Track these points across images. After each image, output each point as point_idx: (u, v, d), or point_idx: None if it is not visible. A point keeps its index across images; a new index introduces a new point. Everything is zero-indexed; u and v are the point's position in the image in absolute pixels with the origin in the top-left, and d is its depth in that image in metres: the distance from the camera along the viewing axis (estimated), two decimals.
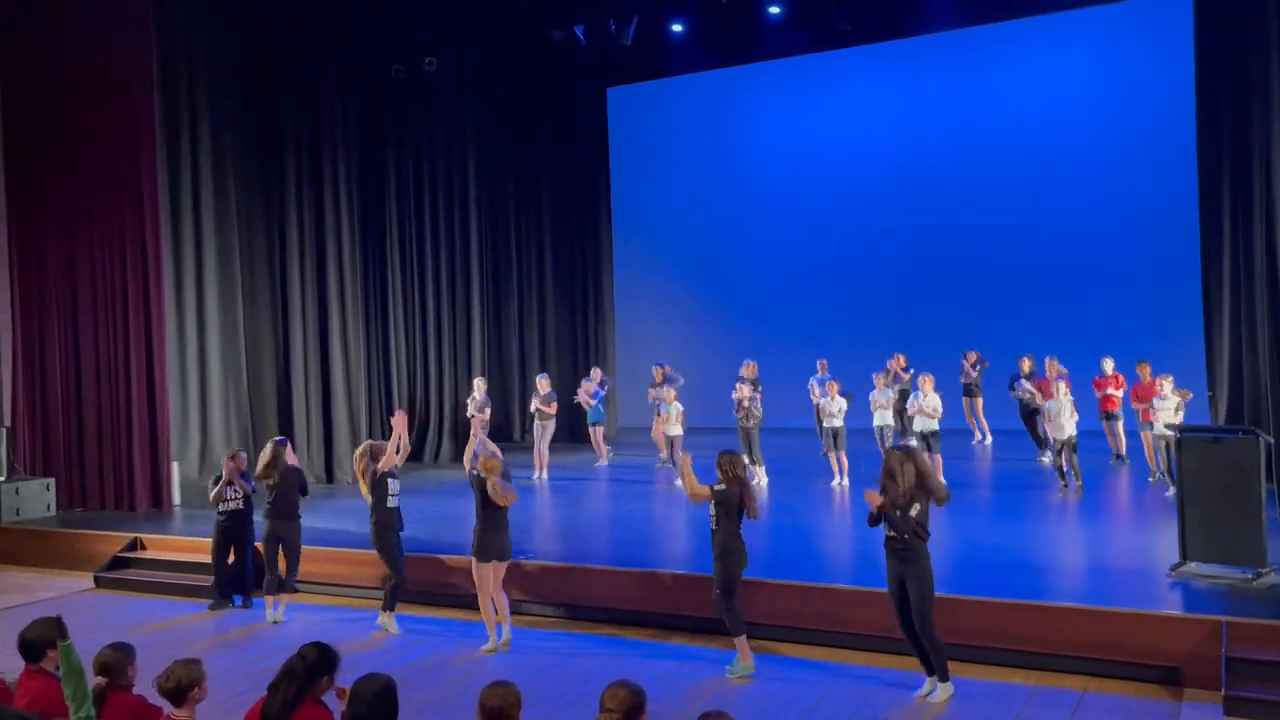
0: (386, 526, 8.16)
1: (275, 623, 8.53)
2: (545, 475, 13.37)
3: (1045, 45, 16.30)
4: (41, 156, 12.47)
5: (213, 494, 9.13)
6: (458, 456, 14.77)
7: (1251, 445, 7.44)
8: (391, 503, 8.17)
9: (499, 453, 7.82)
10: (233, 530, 9.13)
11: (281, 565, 8.77)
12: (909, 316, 16.77)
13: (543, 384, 13.92)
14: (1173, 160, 14.65)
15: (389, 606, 8.23)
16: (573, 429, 15.99)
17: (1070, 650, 6.77)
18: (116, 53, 12.10)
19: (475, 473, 7.68)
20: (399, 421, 8.35)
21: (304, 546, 8.95)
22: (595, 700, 6.40)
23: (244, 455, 9.42)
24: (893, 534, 6.31)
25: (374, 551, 8.38)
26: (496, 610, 7.74)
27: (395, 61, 14.79)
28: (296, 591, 9.01)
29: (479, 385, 14.12)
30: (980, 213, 16.61)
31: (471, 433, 13.80)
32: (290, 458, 8.97)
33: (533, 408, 13.80)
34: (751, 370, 13.39)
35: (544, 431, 13.60)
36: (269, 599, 8.73)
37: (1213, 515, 7.45)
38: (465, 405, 15.64)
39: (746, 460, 11.91)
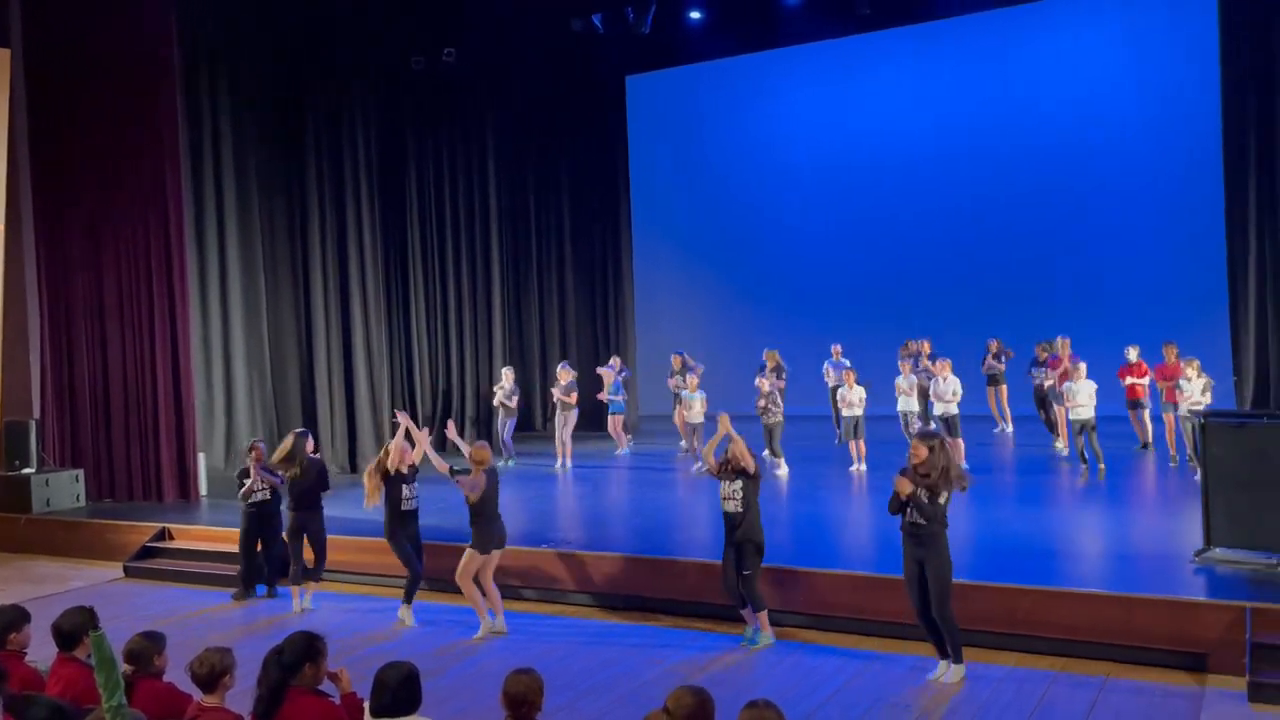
0: (399, 529, 8.15)
1: (302, 612, 8.62)
2: (569, 464, 13.44)
3: (1068, 28, 16.10)
4: (65, 150, 12.61)
5: (241, 491, 9.16)
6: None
7: (1277, 430, 7.37)
8: (406, 506, 8.12)
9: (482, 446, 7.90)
10: (261, 521, 9.20)
11: (309, 556, 8.86)
12: (932, 303, 16.67)
13: (564, 374, 13.99)
14: (1198, 145, 14.47)
15: (407, 600, 8.30)
16: (594, 419, 16.01)
17: (1093, 636, 6.74)
18: (139, 40, 12.21)
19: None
20: (403, 419, 8.27)
21: (331, 536, 8.99)
22: (615, 687, 6.52)
23: (263, 446, 9.43)
24: (913, 520, 6.33)
25: None
26: (488, 596, 7.83)
27: (414, 53, 14.84)
28: (321, 580, 9.01)
29: (508, 375, 14.20)
30: (1003, 198, 16.48)
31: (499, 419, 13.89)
32: (309, 449, 9.02)
33: (555, 398, 13.88)
34: (773, 359, 13.39)
35: (566, 421, 13.69)
36: (295, 589, 8.84)
37: (1237, 500, 7.38)
38: (488, 394, 15.71)
39: (766, 454, 11.91)
